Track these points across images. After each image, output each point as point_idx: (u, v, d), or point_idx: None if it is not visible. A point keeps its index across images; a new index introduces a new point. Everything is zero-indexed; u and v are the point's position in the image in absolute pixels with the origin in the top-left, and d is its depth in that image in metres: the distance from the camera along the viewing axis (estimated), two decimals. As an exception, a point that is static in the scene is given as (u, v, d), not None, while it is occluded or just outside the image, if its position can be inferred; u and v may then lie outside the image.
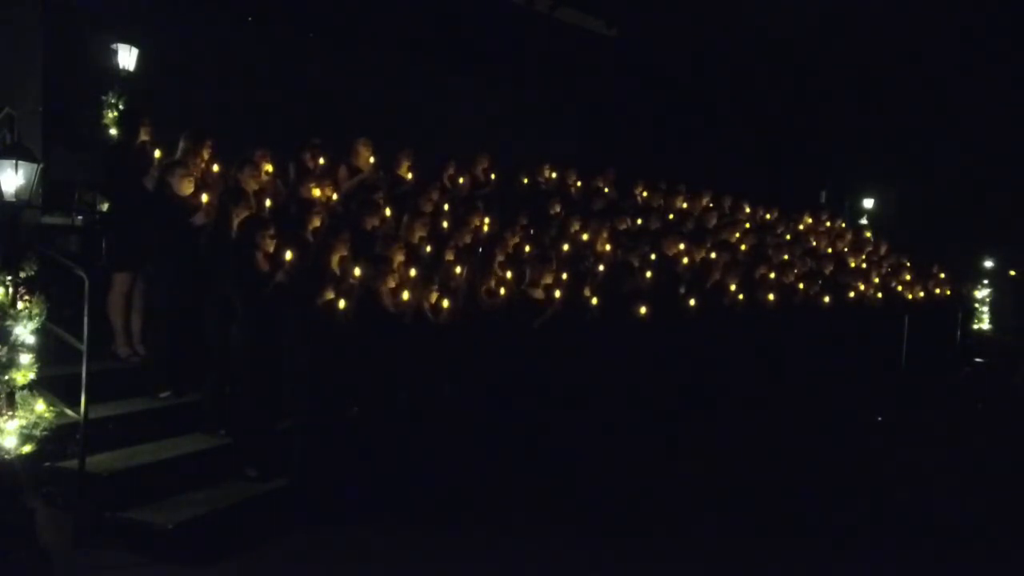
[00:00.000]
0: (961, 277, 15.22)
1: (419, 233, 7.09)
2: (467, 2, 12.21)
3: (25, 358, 4.44)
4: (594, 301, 7.64)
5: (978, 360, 13.80)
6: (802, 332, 9.95)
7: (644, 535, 5.61)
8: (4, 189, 4.61)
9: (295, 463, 5.54)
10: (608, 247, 8.81)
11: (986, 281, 16.14)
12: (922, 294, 13.35)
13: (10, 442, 4.30)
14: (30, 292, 4.57)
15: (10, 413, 4.35)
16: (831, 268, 11.56)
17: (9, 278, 4.53)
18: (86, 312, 4.89)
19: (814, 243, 12.66)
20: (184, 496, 5.14)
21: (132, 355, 6.35)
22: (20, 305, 4.51)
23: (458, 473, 6.25)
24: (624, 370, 7.70)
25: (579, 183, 10.50)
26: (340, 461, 5.62)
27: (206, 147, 6.76)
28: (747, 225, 11.71)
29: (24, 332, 4.47)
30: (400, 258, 6.34)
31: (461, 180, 8.99)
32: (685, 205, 11.49)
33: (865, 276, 12.26)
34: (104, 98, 7.31)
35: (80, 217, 7.39)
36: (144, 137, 6.56)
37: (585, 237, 8.83)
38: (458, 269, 6.94)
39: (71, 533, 4.74)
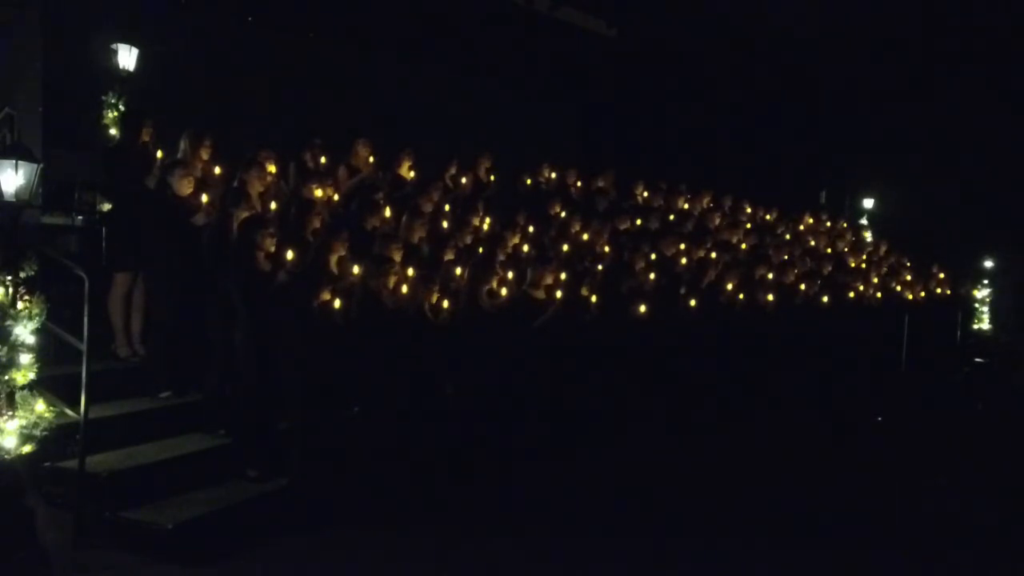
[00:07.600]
0: (961, 277, 15.22)
1: (419, 233, 7.09)
2: (467, 2, 12.20)
3: (25, 358, 4.46)
4: (593, 299, 7.64)
5: (978, 360, 13.78)
6: (802, 332, 9.95)
7: (645, 535, 5.61)
8: (4, 189, 4.62)
9: (295, 463, 5.54)
10: (608, 247, 8.81)
11: (986, 281, 16.12)
12: (922, 294, 13.35)
13: (10, 442, 4.31)
14: (30, 292, 4.58)
15: (10, 413, 4.36)
16: (831, 268, 11.57)
17: (9, 278, 4.54)
18: (86, 312, 4.89)
19: (814, 243, 12.66)
20: (184, 496, 5.14)
21: (132, 355, 6.36)
22: (20, 305, 4.52)
23: (459, 473, 6.25)
24: (623, 369, 7.71)
25: (579, 183, 10.50)
26: (339, 461, 5.62)
27: (206, 147, 6.76)
28: (747, 225, 11.72)
29: (24, 332, 4.48)
30: (399, 258, 6.34)
31: (463, 180, 8.99)
32: (685, 205, 11.50)
33: (865, 276, 12.27)
34: (104, 98, 7.30)
35: (80, 217, 7.39)
36: (146, 138, 6.57)
37: (585, 237, 8.83)
38: (459, 270, 6.94)
39: (71, 533, 4.73)
